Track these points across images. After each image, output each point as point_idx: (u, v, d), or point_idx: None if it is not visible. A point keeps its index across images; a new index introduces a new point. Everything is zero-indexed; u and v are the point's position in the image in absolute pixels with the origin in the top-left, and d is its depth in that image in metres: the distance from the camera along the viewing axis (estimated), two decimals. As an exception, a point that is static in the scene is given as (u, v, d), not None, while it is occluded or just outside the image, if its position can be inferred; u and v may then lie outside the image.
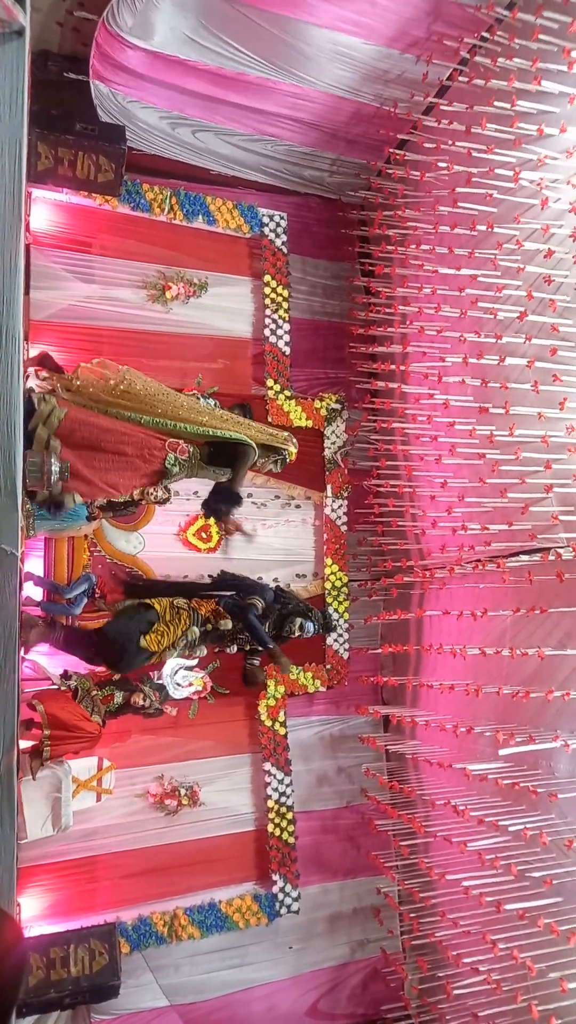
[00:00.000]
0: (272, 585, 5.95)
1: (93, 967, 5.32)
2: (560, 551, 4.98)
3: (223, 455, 5.14)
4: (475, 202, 5.35)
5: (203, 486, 6.50)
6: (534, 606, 5.12)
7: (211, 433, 5.06)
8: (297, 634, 5.09)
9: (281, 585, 7.05)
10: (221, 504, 5.19)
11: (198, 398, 5.57)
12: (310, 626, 5.13)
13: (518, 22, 4.90)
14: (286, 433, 5.60)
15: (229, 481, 5.15)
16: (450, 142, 5.41)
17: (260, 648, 5.16)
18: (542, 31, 4.70)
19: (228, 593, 5.34)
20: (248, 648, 5.22)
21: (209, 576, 5.43)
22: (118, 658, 5.22)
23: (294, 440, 5.54)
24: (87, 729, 5.30)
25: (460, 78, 5.58)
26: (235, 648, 5.28)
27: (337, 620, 7.06)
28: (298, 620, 5.11)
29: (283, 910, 6.55)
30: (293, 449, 5.46)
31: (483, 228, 5.25)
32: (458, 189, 5.39)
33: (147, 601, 5.31)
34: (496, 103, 4.98)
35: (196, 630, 5.05)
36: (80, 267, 6.47)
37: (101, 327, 6.50)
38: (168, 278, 6.73)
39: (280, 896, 6.56)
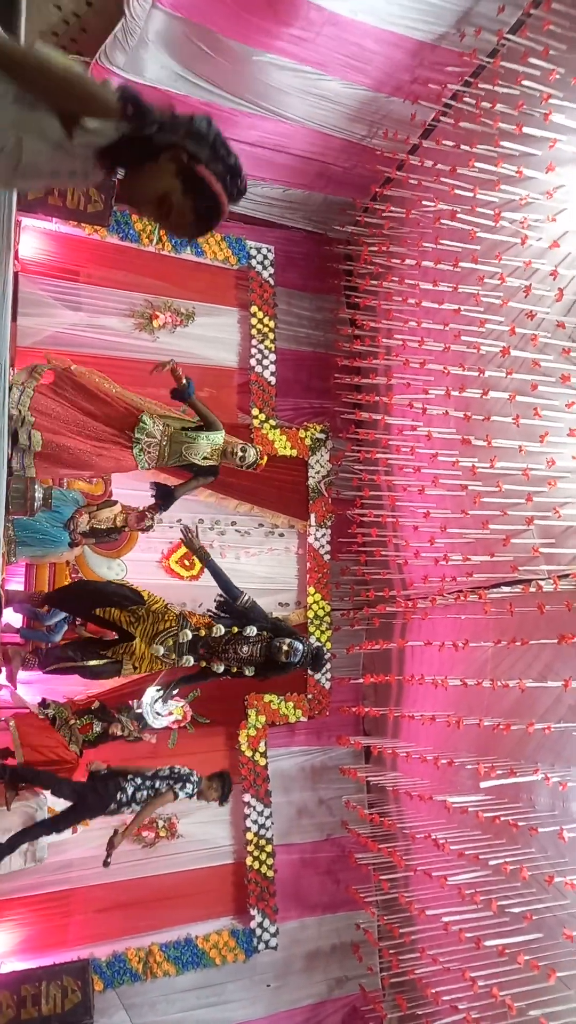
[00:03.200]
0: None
1: (65, 1005, 5.19)
2: (541, 583, 5.01)
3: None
4: (458, 238, 5.46)
5: (186, 513, 6.54)
6: (515, 638, 5.13)
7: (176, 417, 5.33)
8: (285, 651, 4.89)
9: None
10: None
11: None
12: (299, 646, 4.98)
13: (501, 68, 5.04)
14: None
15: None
16: (435, 179, 5.54)
17: (244, 664, 5.02)
18: (524, 77, 4.84)
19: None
20: (235, 671, 5.11)
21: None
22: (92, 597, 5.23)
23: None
24: (65, 758, 5.23)
25: (445, 119, 5.73)
26: (222, 668, 5.13)
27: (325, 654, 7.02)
28: (287, 640, 4.95)
29: (261, 946, 6.43)
30: (253, 451, 5.58)
31: (466, 264, 5.35)
32: (443, 221, 5.50)
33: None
34: (479, 145, 5.11)
35: (188, 632, 4.96)
36: (68, 295, 6.51)
37: (88, 354, 6.51)
38: (156, 307, 6.79)
39: (258, 931, 6.44)
